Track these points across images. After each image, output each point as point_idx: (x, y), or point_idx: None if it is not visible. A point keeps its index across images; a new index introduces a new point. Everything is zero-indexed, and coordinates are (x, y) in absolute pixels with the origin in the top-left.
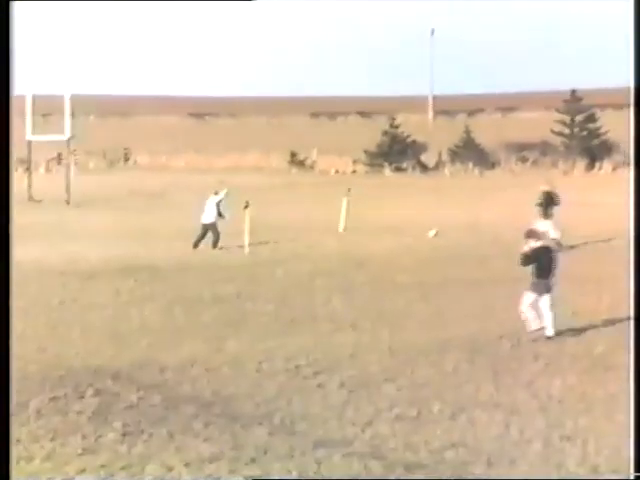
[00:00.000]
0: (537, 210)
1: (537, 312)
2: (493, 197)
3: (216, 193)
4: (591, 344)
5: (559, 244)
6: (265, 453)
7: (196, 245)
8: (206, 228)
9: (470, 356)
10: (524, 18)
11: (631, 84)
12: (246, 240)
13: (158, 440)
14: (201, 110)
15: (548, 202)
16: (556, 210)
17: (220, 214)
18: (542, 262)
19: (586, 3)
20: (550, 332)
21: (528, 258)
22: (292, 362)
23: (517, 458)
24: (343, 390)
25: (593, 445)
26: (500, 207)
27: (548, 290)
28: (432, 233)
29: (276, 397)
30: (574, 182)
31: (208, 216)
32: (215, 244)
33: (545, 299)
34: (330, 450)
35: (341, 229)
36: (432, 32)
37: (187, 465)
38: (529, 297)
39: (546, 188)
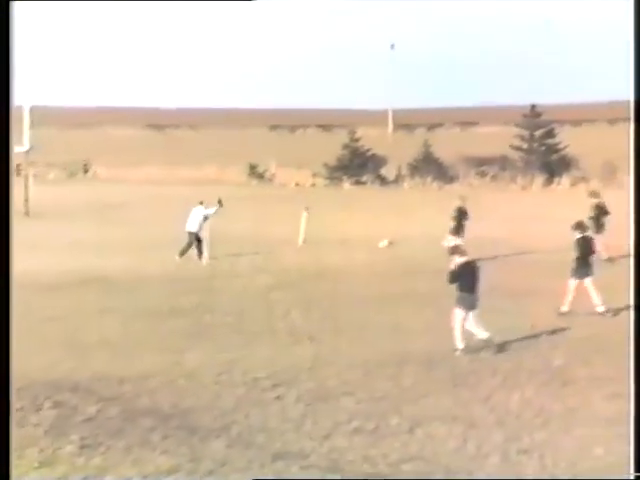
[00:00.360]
0: (450, 226)
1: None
2: (452, 211)
3: (201, 203)
4: (549, 357)
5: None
6: (223, 465)
7: (199, 254)
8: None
9: (428, 369)
10: (484, 33)
11: (631, 97)
12: (205, 252)
13: (116, 453)
14: (161, 122)
15: (461, 217)
16: (510, 223)
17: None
18: (468, 277)
19: (548, 17)
20: (484, 335)
21: (456, 275)
22: (250, 374)
23: (475, 471)
24: (301, 403)
25: (550, 458)
26: None
27: (474, 306)
28: (383, 244)
29: (234, 409)
30: (532, 197)
31: (191, 225)
32: (183, 253)
33: (470, 317)
34: (288, 463)
35: (300, 242)
36: (392, 46)
37: (145, 477)
38: (459, 314)
39: (459, 203)
